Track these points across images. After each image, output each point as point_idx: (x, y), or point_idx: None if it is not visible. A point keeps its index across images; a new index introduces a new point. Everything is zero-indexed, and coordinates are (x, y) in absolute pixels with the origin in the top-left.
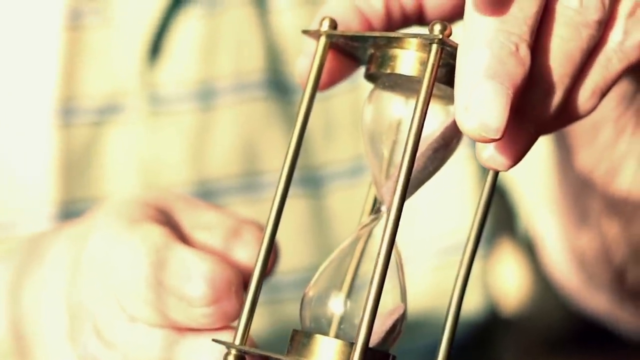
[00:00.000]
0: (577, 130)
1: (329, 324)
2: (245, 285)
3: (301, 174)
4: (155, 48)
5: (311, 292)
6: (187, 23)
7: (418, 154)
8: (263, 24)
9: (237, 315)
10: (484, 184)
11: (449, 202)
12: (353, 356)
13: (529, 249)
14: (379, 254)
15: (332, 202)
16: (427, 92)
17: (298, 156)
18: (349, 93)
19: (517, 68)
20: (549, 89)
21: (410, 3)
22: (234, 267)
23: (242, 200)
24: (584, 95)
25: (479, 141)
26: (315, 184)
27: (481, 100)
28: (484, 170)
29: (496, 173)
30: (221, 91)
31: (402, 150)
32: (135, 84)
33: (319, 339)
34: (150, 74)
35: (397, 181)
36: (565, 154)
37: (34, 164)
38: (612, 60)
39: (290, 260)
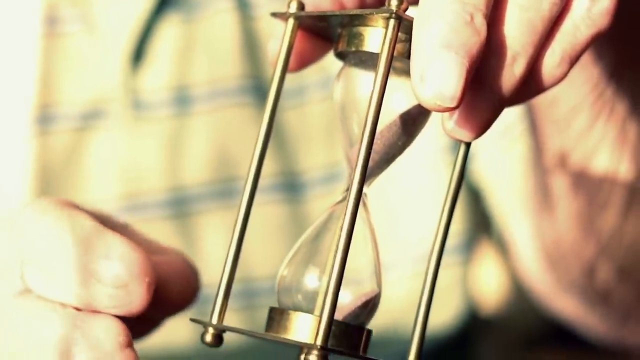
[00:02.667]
0: (552, 115)
1: (306, 300)
2: (157, 295)
3: (281, 180)
4: (138, 54)
5: (286, 271)
6: (167, 29)
7: (384, 129)
8: (245, 30)
9: (140, 310)
10: (451, 177)
11: (428, 209)
12: (319, 328)
13: (505, 252)
14: (342, 224)
15: (311, 208)
16: (385, 67)
17: (268, 142)
18: (328, 100)
19: (472, 38)
20: (511, 58)
21: None
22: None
23: (217, 207)
24: (552, 63)
25: (436, 111)
26: (295, 189)
27: (436, 69)
28: (465, 177)
29: (462, 167)
30: (197, 98)
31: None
32: (118, 90)
33: (294, 315)
34: (132, 80)
35: (357, 154)
36: (539, 141)
37: (11, 171)
38: (579, 28)
39: (268, 266)
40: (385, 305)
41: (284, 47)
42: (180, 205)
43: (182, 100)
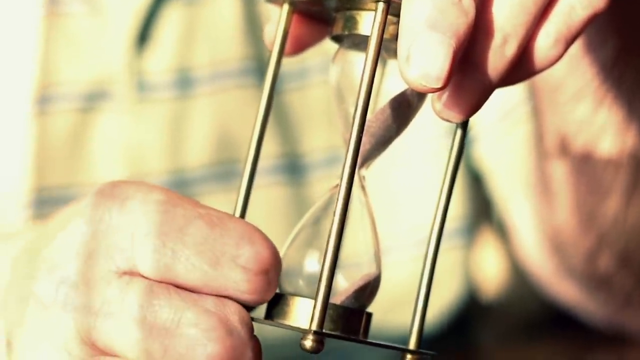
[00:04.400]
0: (556, 100)
1: (306, 284)
2: None
3: (284, 161)
4: (143, 36)
5: (285, 255)
6: (171, 12)
7: (379, 112)
8: (247, 12)
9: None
10: (448, 162)
11: (430, 193)
12: (314, 313)
13: (506, 237)
14: (336, 205)
15: (314, 190)
16: (375, 49)
17: (266, 126)
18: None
19: (459, 18)
20: (501, 39)
21: None
22: None
23: (218, 189)
24: (546, 44)
25: (422, 91)
26: (297, 171)
27: (422, 49)
28: (466, 160)
29: (460, 151)
30: (199, 80)
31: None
32: (123, 71)
33: (292, 299)
34: (137, 61)
35: (350, 136)
36: (541, 126)
37: (10, 151)
38: (575, 8)
39: None
40: (386, 289)
41: (279, 33)
42: (181, 187)
43: (184, 82)
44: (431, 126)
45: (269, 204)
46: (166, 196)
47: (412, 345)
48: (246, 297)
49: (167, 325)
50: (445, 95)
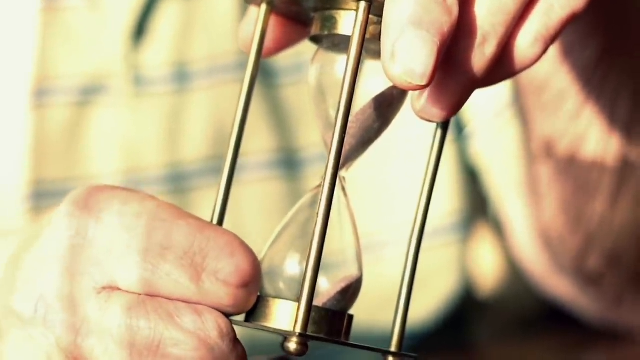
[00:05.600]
0: (541, 100)
1: (287, 286)
2: None
3: (280, 156)
4: (140, 30)
5: (266, 256)
6: (168, 6)
7: (359, 112)
8: (245, 6)
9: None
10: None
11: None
12: (298, 315)
13: (501, 233)
14: (318, 208)
15: (309, 185)
16: (357, 49)
17: (244, 126)
18: None
19: (443, 16)
20: (481, 38)
21: None
22: None
23: (214, 183)
24: (526, 44)
25: (406, 88)
26: (293, 166)
27: (406, 47)
28: (462, 156)
29: (440, 147)
30: (196, 74)
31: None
32: (120, 65)
33: (274, 302)
34: (134, 55)
35: (332, 137)
36: (527, 127)
37: (8, 144)
38: (554, 7)
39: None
40: (380, 284)
41: (257, 33)
42: (177, 181)
43: (181, 76)
44: (424, 122)
45: (265, 199)
46: (142, 207)
47: (393, 347)
48: (228, 309)
49: (148, 346)
50: (425, 94)
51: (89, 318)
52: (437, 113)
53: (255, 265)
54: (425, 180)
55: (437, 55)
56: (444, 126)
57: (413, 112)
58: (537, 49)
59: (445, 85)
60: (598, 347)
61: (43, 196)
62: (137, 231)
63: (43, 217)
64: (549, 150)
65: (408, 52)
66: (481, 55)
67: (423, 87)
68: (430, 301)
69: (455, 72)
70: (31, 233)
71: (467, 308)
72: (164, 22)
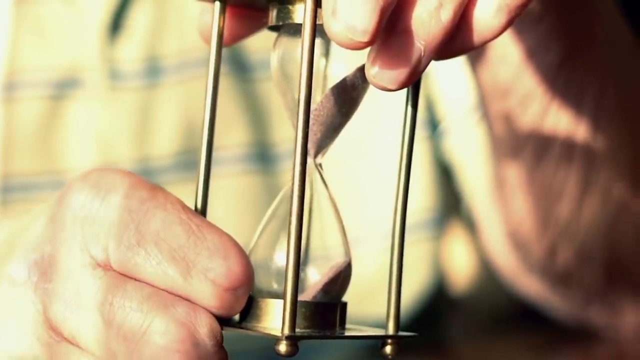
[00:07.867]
0: (505, 104)
1: (276, 281)
2: None
3: (255, 150)
4: (115, 25)
5: (252, 256)
6: (144, 0)
7: (324, 98)
8: None
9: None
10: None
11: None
12: (285, 312)
13: (474, 231)
14: (291, 197)
15: (285, 180)
16: (310, 37)
17: (214, 122)
18: None
19: None
20: (437, 2)
21: None
22: None
23: (183, 178)
24: (488, 13)
25: (348, 47)
26: (269, 160)
27: (348, 2)
28: (436, 153)
29: (411, 140)
30: (167, 69)
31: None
32: (95, 59)
33: (262, 302)
34: (109, 50)
35: (296, 123)
36: (492, 131)
37: None
38: None
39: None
40: (354, 280)
41: (214, 30)
42: (146, 177)
43: (153, 71)
44: (398, 117)
45: (239, 192)
46: (150, 194)
47: (390, 330)
48: (212, 310)
49: (134, 330)
50: (379, 60)
51: (80, 292)
52: (391, 80)
53: (247, 271)
54: (400, 169)
55: (380, 13)
56: (412, 121)
57: (368, 78)
58: (500, 20)
59: (400, 52)
60: (569, 346)
61: (13, 190)
62: (138, 215)
63: (12, 212)
64: (514, 153)
65: (350, 7)
66: (437, 21)
67: (365, 45)
68: (403, 297)
69: (410, 37)
70: (42, 206)
71: (439, 305)
72: (138, 17)
